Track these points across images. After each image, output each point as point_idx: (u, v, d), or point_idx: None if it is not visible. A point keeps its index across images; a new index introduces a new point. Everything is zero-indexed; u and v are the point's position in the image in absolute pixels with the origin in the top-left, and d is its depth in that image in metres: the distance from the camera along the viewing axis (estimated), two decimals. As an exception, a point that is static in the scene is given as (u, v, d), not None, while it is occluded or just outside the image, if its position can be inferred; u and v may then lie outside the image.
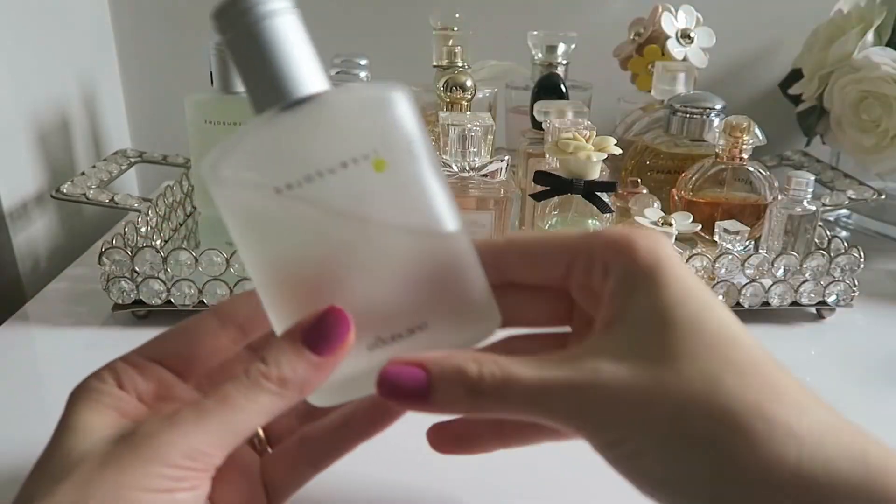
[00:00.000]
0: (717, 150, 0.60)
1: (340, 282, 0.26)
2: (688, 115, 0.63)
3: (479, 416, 0.25)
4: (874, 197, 0.66)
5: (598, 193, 0.52)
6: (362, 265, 0.26)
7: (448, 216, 0.27)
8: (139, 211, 0.60)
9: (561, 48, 0.69)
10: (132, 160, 0.73)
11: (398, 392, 0.25)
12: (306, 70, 0.26)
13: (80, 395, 0.26)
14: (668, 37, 0.70)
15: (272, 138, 0.26)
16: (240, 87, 0.57)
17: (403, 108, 0.26)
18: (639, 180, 0.61)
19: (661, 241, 0.25)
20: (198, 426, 0.24)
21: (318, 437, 0.31)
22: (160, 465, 0.23)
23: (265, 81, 0.26)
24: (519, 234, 0.29)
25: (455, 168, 0.56)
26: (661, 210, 0.58)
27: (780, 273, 0.56)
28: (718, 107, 0.63)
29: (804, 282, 0.56)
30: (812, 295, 0.56)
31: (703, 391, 0.22)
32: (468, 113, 0.56)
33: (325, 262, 0.26)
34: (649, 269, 0.24)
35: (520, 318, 0.30)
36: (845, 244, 0.57)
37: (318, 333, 0.26)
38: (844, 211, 0.79)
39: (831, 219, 0.78)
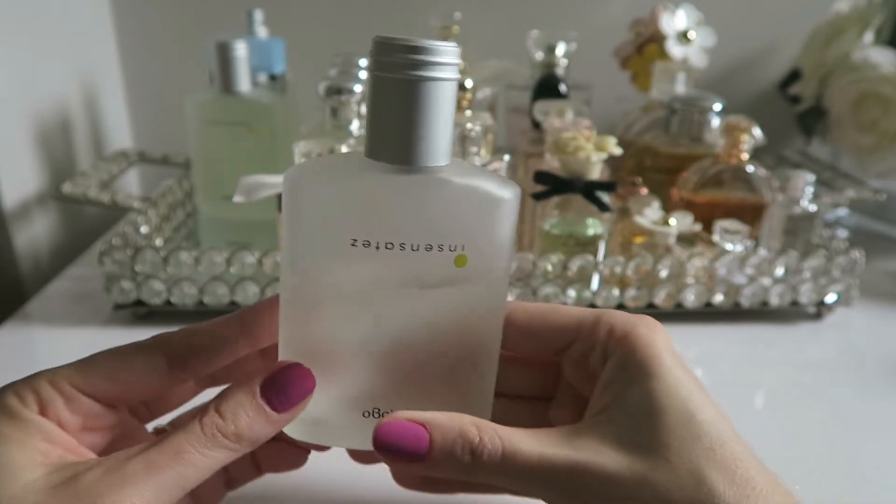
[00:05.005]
0: (716, 150, 0.60)
1: (369, 348, 0.26)
2: (687, 115, 0.63)
3: (471, 481, 0.25)
4: (874, 197, 0.66)
5: (598, 193, 0.52)
6: (394, 339, 0.26)
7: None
8: (139, 211, 0.60)
9: (561, 48, 0.69)
10: (132, 160, 0.73)
11: (396, 450, 0.24)
12: (439, 142, 0.25)
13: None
14: (667, 37, 0.70)
15: (374, 193, 0.25)
16: (240, 87, 0.57)
17: (506, 213, 0.26)
18: (640, 179, 0.61)
19: (659, 333, 0.27)
20: (148, 483, 0.22)
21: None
22: None
23: (397, 136, 0.24)
24: (518, 308, 0.30)
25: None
26: (661, 210, 0.58)
27: (779, 273, 0.56)
28: (718, 107, 0.63)
29: (804, 281, 0.56)
30: (812, 294, 0.57)
31: (689, 485, 0.23)
32: (468, 113, 0.56)
33: (362, 321, 0.26)
34: (646, 361, 0.26)
35: (506, 389, 0.31)
36: (845, 244, 0.57)
37: (281, 391, 0.25)
38: (844, 211, 0.79)
39: (831, 219, 0.78)
